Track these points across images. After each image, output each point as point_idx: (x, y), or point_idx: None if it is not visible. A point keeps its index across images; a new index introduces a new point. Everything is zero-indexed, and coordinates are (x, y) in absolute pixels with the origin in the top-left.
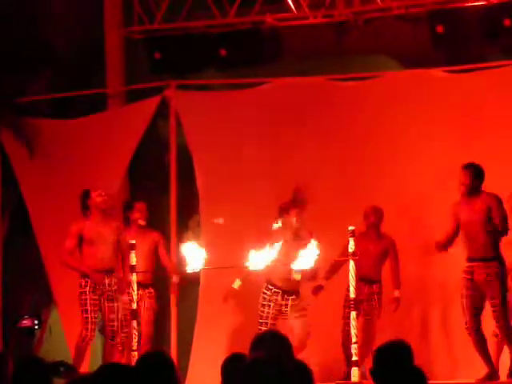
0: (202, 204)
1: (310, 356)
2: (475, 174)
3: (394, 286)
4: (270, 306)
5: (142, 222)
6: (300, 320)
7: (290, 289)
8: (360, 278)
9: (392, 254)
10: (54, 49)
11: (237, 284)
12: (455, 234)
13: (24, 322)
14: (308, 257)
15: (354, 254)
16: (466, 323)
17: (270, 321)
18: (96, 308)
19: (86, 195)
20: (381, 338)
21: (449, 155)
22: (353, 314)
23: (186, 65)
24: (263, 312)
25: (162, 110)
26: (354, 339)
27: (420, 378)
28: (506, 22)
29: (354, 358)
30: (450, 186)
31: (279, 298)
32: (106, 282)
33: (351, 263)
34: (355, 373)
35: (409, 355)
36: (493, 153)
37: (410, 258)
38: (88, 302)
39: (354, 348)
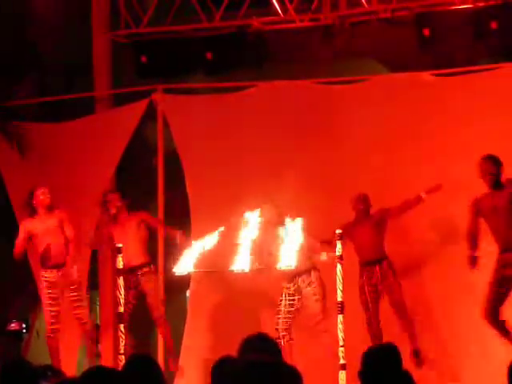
0: (191, 207)
1: None
2: (499, 162)
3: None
4: (282, 299)
5: (113, 210)
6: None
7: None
8: (368, 263)
9: (388, 210)
10: (41, 52)
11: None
12: (478, 231)
13: (12, 325)
14: (290, 249)
15: (341, 257)
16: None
17: (285, 315)
18: (55, 302)
19: (30, 196)
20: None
21: (437, 158)
22: (340, 317)
23: (173, 68)
24: (279, 305)
25: (149, 114)
26: (341, 342)
27: (408, 382)
28: (493, 25)
29: (342, 361)
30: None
31: (291, 285)
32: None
33: (338, 267)
34: (342, 376)
35: (397, 359)
36: (481, 155)
37: (403, 263)
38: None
39: (341, 351)
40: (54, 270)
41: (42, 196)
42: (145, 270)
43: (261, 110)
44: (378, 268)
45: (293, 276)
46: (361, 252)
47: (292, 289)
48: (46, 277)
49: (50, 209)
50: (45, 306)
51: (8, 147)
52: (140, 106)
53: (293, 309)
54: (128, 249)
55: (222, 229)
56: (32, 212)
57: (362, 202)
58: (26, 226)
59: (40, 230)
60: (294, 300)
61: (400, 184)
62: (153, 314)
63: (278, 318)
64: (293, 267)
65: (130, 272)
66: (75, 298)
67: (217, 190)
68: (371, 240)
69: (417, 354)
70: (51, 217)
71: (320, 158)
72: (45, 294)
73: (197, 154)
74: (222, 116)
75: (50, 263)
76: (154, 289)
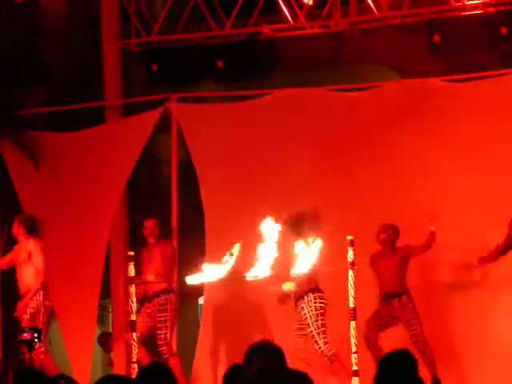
0: (207, 215)
1: None
2: None
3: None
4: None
5: (151, 240)
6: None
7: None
8: (388, 295)
9: (413, 249)
10: (51, 62)
11: (287, 287)
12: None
13: (24, 335)
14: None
15: (352, 263)
16: None
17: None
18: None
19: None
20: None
21: (450, 164)
22: (352, 323)
23: (183, 76)
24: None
25: (160, 123)
26: (353, 349)
27: None
28: (503, 30)
29: (355, 367)
30: (452, 195)
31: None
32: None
33: (350, 273)
34: (355, 382)
35: (414, 366)
36: (493, 161)
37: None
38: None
39: (353, 358)
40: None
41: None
42: (161, 297)
43: (276, 118)
44: (396, 302)
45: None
46: (381, 284)
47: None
48: None
49: (20, 240)
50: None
51: (20, 158)
52: (154, 115)
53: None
54: (147, 277)
55: (233, 258)
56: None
57: (383, 232)
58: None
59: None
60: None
61: (415, 191)
62: (159, 348)
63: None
64: (305, 273)
65: (150, 299)
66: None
67: (232, 198)
68: (393, 274)
69: (437, 382)
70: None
71: (334, 165)
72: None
73: (212, 162)
74: (237, 124)
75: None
76: (159, 323)
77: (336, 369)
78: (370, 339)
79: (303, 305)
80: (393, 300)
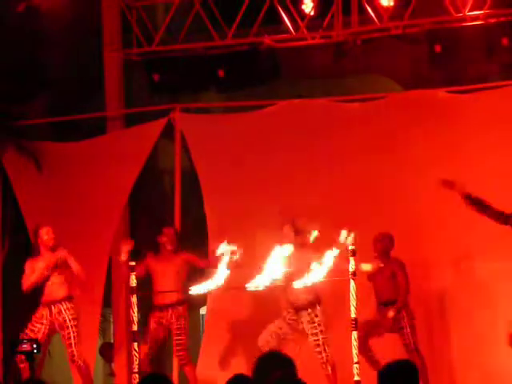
0: (210, 225)
1: None
2: None
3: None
4: (282, 321)
5: (169, 247)
6: (315, 338)
7: (303, 304)
8: (382, 303)
9: (399, 276)
10: (53, 72)
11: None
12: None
13: (23, 346)
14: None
15: (354, 274)
16: None
17: (273, 336)
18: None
19: (35, 233)
20: None
21: (453, 175)
22: (354, 334)
23: (185, 86)
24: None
25: (162, 133)
26: (355, 359)
27: None
28: (504, 41)
29: (356, 378)
30: (454, 206)
31: (294, 316)
32: (54, 311)
33: (352, 283)
34: None
35: (415, 376)
36: (495, 173)
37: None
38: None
39: (355, 368)
40: (46, 308)
41: (45, 236)
42: (179, 308)
43: (279, 128)
44: (391, 311)
45: (298, 308)
46: (377, 293)
47: (294, 319)
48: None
49: (53, 249)
50: (27, 331)
51: (22, 168)
52: (158, 125)
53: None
54: (165, 286)
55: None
56: (35, 251)
57: (380, 241)
58: (31, 265)
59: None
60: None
61: (416, 202)
62: (175, 354)
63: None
64: (308, 285)
65: (163, 308)
66: (65, 337)
67: (235, 207)
68: (386, 283)
69: None
70: (53, 256)
71: (340, 177)
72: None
73: (215, 172)
74: (241, 134)
75: (43, 300)
76: (178, 330)
77: (333, 379)
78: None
79: (313, 315)
80: (387, 309)
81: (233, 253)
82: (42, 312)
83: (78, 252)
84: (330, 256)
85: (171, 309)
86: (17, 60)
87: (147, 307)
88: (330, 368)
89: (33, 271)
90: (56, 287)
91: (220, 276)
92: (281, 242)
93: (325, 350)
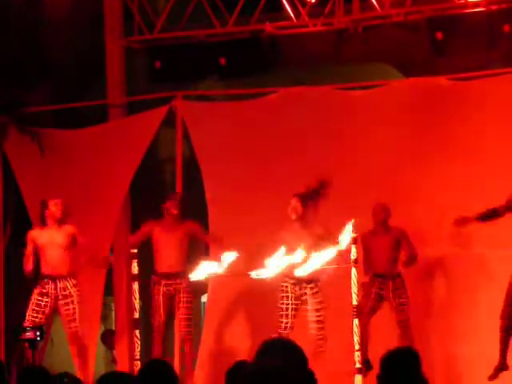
0: (211, 213)
1: None
2: None
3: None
4: (288, 296)
5: (174, 211)
6: (318, 314)
7: (307, 277)
8: (380, 275)
9: (405, 242)
10: (54, 59)
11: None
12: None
13: (26, 334)
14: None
15: (355, 261)
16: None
17: (290, 312)
18: (39, 309)
19: (43, 205)
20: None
21: (455, 162)
22: (355, 321)
23: (186, 74)
24: (283, 304)
25: (162, 122)
26: (356, 347)
27: None
28: (506, 28)
29: (358, 365)
30: (458, 194)
31: (297, 288)
32: (59, 285)
33: (353, 270)
34: (358, 380)
35: (417, 363)
36: (496, 161)
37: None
38: (34, 302)
39: (356, 356)
40: (50, 281)
41: (53, 208)
42: (184, 282)
43: (280, 116)
44: (391, 283)
45: (301, 281)
46: (376, 264)
47: (298, 292)
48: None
49: (60, 222)
50: (28, 311)
51: (24, 155)
52: (159, 113)
53: (296, 312)
54: (171, 255)
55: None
56: (42, 222)
57: (381, 212)
58: (33, 237)
59: (45, 242)
60: (298, 303)
61: (420, 186)
62: (182, 328)
63: (282, 320)
64: (305, 275)
65: (170, 277)
66: (69, 312)
67: (236, 196)
68: (388, 254)
69: None
70: (59, 231)
71: (342, 164)
72: (33, 301)
73: (216, 160)
74: (242, 122)
75: (46, 272)
76: (189, 302)
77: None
78: (366, 325)
79: (316, 289)
80: (386, 281)
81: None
82: (45, 286)
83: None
84: (332, 252)
85: (179, 278)
86: (19, 48)
87: (149, 295)
88: (324, 346)
89: (32, 244)
90: (62, 262)
91: (221, 263)
92: (288, 215)
93: (323, 327)
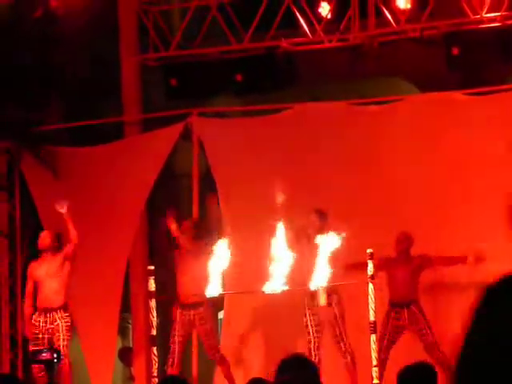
0: (226, 229)
1: None
2: None
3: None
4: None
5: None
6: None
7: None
8: (397, 304)
9: (430, 261)
10: (70, 77)
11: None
12: None
13: (43, 354)
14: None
15: (372, 277)
16: None
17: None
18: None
19: (36, 237)
20: None
21: (472, 176)
22: (372, 336)
23: (202, 91)
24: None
25: (180, 136)
26: (374, 362)
27: None
28: None
29: (376, 381)
30: (477, 205)
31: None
32: (49, 319)
33: (370, 286)
34: None
35: (433, 379)
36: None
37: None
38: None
39: (374, 371)
40: (42, 315)
41: (39, 240)
42: (201, 309)
43: (296, 132)
44: (406, 311)
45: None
46: (392, 291)
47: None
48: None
49: (54, 250)
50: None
51: (40, 174)
52: (175, 130)
53: (319, 327)
54: (193, 282)
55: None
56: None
57: (403, 242)
58: (31, 271)
59: (42, 273)
60: (317, 318)
61: (433, 200)
62: (210, 355)
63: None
64: (323, 286)
65: (190, 307)
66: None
67: (252, 212)
68: (406, 283)
69: None
70: (54, 259)
71: (355, 179)
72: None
73: (232, 177)
74: (258, 138)
75: (38, 306)
76: (210, 330)
77: (352, 367)
78: (384, 360)
79: (335, 302)
80: (402, 309)
81: None
82: (38, 319)
83: (96, 257)
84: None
85: (193, 309)
86: (33, 65)
87: (166, 312)
88: (349, 357)
89: (31, 278)
90: (52, 294)
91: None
92: (306, 231)
93: (343, 339)
